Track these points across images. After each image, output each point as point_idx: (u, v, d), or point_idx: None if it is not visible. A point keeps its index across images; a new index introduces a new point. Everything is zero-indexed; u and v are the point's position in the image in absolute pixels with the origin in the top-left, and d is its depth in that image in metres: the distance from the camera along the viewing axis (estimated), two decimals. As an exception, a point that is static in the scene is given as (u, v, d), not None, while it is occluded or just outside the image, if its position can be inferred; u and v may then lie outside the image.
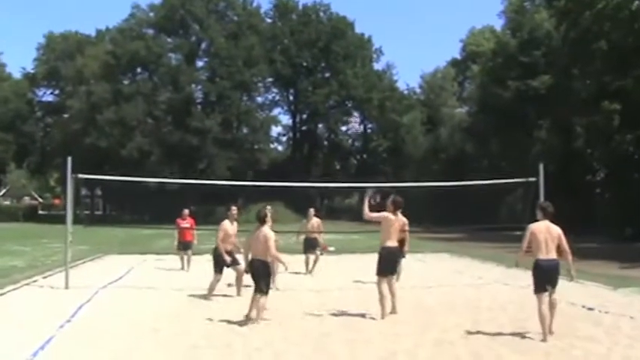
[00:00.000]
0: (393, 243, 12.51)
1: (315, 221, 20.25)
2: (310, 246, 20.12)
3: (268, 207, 13.09)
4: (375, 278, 12.60)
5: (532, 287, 10.74)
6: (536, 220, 10.81)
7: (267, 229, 11.88)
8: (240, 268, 14.35)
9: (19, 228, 53.41)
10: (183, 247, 21.20)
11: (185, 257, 21.24)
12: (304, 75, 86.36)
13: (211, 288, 14.75)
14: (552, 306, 10.77)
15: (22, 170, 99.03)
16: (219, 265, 14.79)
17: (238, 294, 14.63)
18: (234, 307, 13.08)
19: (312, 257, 20.11)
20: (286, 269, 12.11)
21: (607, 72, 40.41)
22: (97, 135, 68.26)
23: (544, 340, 10.39)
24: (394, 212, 12.53)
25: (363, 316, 12.64)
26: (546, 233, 10.58)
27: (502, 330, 11.15)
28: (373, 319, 12.33)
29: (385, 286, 12.44)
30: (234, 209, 15.52)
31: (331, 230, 36.06)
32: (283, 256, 12.61)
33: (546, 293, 10.62)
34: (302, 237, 20.35)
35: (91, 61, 74.20)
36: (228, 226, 15.02)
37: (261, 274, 11.76)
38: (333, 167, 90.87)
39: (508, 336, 10.72)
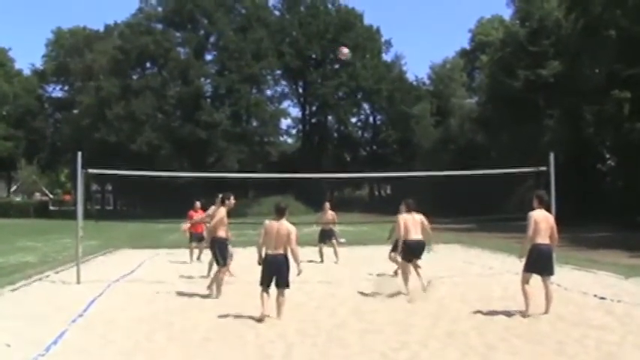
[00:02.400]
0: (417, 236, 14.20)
1: (330, 214, 21.72)
2: (326, 237, 21.53)
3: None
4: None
5: (522, 266, 11.70)
6: (533, 209, 11.59)
7: (288, 223, 11.46)
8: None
9: (31, 224, 53.61)
10: (197, 239, 21.23)
11: (197, 250, 21.34)
12: (313, 67, 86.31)
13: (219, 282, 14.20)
14: (550, 296, 11.62)
15: (32, 166, 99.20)
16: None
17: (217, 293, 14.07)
18: (246, 299, 13.08)
19: (328, 247, 21.45)
20: (299, 273, 11.53)
21: (617, 60, 40.23)
22: (106, 130, 68.24)
23: (524, 315, 11.33)
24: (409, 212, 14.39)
25: (374, 306, 12.68)
26: (545, 221, 11.49)
27: (514, 320, 11.16)
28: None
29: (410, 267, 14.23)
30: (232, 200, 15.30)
31: (342, 222, 36.08)
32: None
33: (534, 275, 11.58)
34: (319, 228, 21.83)
35: (100, 57, 74.27)
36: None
37: (284, 269, 11.41)
38: (344, 159, 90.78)
39: (521, 326, 10.72)
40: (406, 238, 14.11)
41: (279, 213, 11.53)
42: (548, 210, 12.10)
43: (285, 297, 11.55)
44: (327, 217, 21.68)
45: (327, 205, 21.97)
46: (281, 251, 11.35)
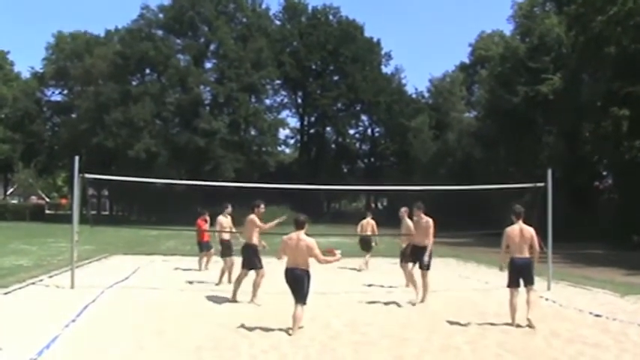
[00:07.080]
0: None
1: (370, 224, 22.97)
2: (367, 245, 22.85)
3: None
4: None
5: (506, 282, 12.32)
6: (512, 223, 12.13)
7: (307, 237, 11.19)
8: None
9: (26, 227, 53.38)
10: (206, 248, 21.23)
11: (205, 258, 21.46)
12: (313, 78, 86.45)
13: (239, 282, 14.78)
14: (529, 302, 11.93)
15: (29, 169, 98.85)
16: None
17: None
18: (240, 308, 13.03)
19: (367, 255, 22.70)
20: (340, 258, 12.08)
21: (616, 78, 40.28)
22: (104, 135, 67.96)
23: (512, 325, 11.80)
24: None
25: (369, 319, 12.61)
26: (520, 235, 12.02)
27: (509, 336, 11.11)
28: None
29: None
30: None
31: (338, 233, 36.08)
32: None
33: (518, 288, 12.06)
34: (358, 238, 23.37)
35: (100, 61, 74.07)
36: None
37: (303, 285, 11.12)
38: (341, 170, 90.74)
39: (515, 342, 10.67)
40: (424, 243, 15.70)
41: (299, 226, 11.29)
42: (532, 223, 12.47)
43: (300, 312, 11.17)
44: (367, 226, 22.65)
45: (368, 217, 23.02)
46: (300, 266, 11.09)
